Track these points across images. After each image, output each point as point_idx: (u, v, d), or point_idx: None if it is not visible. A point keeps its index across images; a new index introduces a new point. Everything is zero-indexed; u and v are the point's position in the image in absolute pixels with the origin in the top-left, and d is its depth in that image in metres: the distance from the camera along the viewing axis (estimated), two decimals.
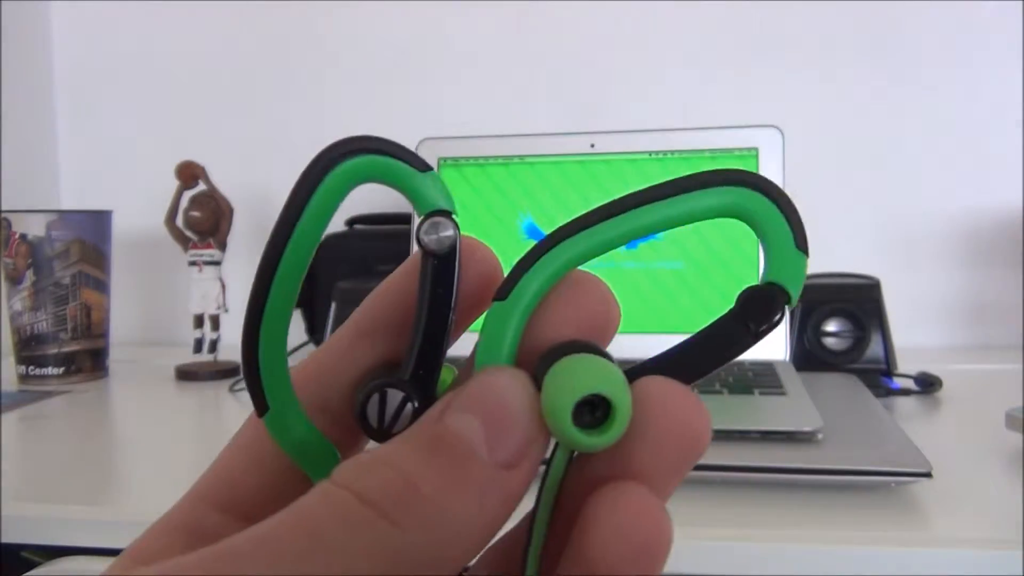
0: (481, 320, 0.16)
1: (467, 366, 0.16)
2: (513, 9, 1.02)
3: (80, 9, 1.11)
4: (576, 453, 0.15)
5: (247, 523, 0.13)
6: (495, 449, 0.13)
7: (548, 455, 0.15)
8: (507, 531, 0.17)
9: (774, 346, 0.68)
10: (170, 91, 1.10)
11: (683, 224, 0.15)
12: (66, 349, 0.83)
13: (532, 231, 0.70)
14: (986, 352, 0.91)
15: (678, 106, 1.00)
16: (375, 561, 0.12)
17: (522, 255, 0.15)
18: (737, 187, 0.15)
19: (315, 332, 0.92)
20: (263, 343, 0.15)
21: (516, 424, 0.14)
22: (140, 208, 0.97)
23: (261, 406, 0.16)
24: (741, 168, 0.15)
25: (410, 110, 1.04)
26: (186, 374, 0.84)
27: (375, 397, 0.15)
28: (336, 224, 0.92)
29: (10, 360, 0.86)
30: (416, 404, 0.15)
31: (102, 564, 0.16)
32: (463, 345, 0.16)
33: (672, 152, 0.72)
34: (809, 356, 0.73)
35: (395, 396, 0.15)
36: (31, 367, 0.83)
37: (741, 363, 0.66)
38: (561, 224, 0.15)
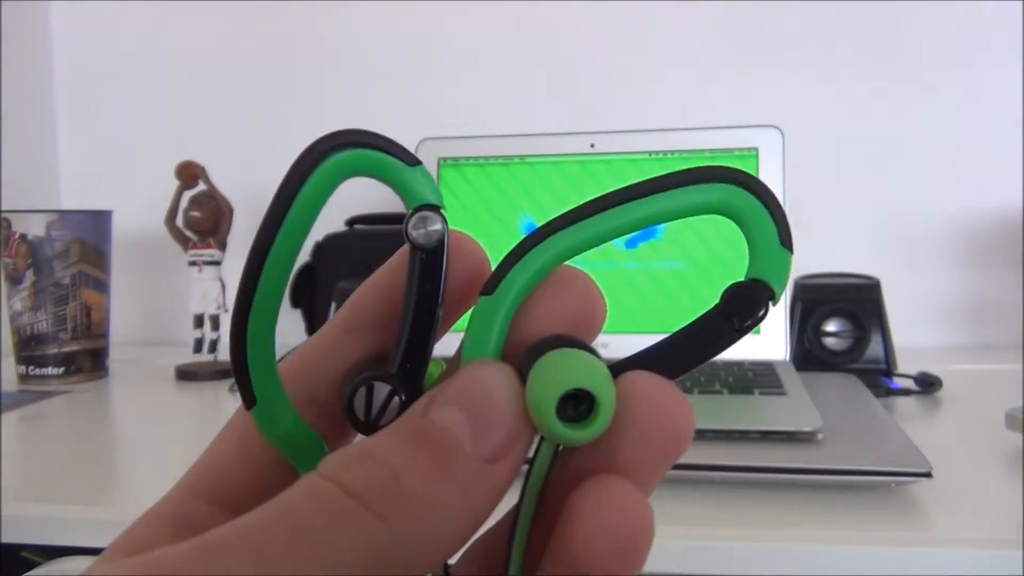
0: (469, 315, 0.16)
1: (454, 360, 0.16)
2: (513, 9, 1.02)
3: (80, 9, 1.11)
4: (561, 447, 0.15)
5: (235, 514, 0.13)
6: (480, 442, 0.14)
7: (533, 450, 0.15)
8: (491, 526, 0.17)
9: (774, 346, 0.68)
10: (170, 91, 1.10)
11: (669, 220, 0.15)
12: (66, 349, 0.83)
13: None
14: (986, 352, 0.91)
15: (678, 106, 1.00)
16: (359, 553, 0.12)
17: (509, 250, 0.15)
18: (723, 184, 0.15)
19: (315, 332, 0.91)
20: (251, 337, 0.15)
21: (501, 418, 0.14)
22: (140, 208, 0.97)
23: (249, 399, 0.16)
24: (728, 165, 0.15)
25: (410, 110, 1.04)
26: (186, 374, 0.84)
27: (362, 390, 0.15)
28: (336, 224, 0.92)
29: (10, 360, 0.86)
30: (403, 398, 0.15)
31: None
32: (451, 339, 0.16)
33: (672, 152, 0.72)
34: (809, 356, 0.73)
35: (382, 389, 0.15)
36: (31, 367, 0.83)
37: (741, 363, 0.66)
38: (547, 220, 0.15)
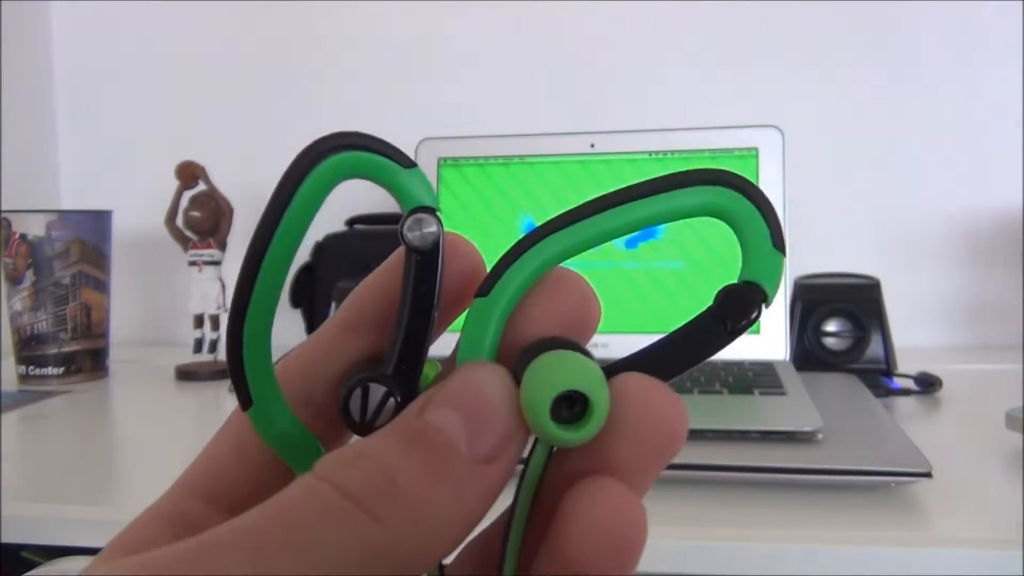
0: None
1: (449, 361, 0.16)
2: (513, 9, 1.02)
3: (80, 9, 1.11)
4: (555, 449, 0.15)
5: (232, 514, 0.13)
6: (474, 443, 0.14)
7: (528, 450, 0.15)
8: (486, 527, 0.17)
9: (774, 346, 0.68)
10: (170, 91, 1.10)
11: (663, 222, 0.15)
12: (66, 349, 0.83)
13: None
14: (986, 352, 0.91)
15: (678, 106, 1.00)
16: (354, 553, 0.13)
17: (504, 252, 0.15)
18: (716, 187, 0.15)
19: (315, 332, 0.92)
20: (247, 338, 0.15)
21: (495, 419, 0.14)
22: (140, 208, 0.97)
23: (245, 400, 0.16)
24: (721, 168, 0.15)
25: (410, 110, 1.04)
26: (186, 374, 0.84)
27: (358, 391, 0.15)
28: (336, 224, 0.92)
29: (10, 360, 0.86)
30: (398, 399, 0.15)
31: None
32: (442, 346, 0.17)
33: (672, 152, 0.72)
34: (809, 356, 0.73)
35: (377, 391, 0.15)
36: (31, 367, 0.83)
37: (741, 363, 0.66)
38: (543, 222, 0.15)
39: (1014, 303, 0.94)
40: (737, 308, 0.15)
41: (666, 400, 0.14)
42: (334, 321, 0.17)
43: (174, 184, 0.86)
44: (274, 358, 0.16)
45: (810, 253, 0.81)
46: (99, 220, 0.85)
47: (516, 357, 0.15)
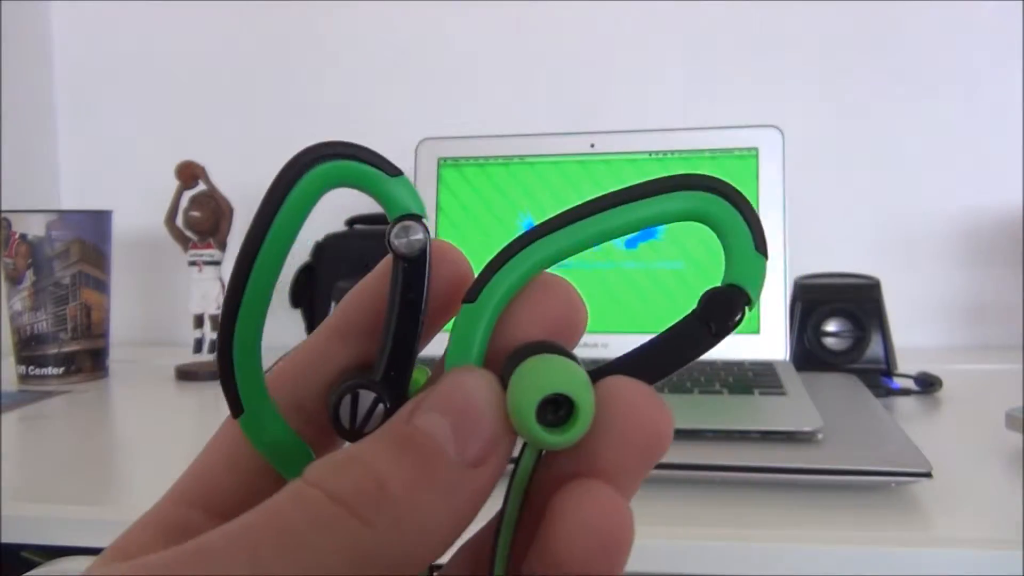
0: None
1: (438, 367, 0.16)
2: (513, 9, 1.02)
3: (80, 9, 1.11)
4: (544, 452, 0.15)
5: (225, 521, 0.14)
6: (463, 448, 0.14)
7: (517, 454, 0.15)
8: (476, 531, 0.17)
9: (774, 346, 0.68)
10: (170, 91, 1.10)
11: (649, 227, 0.15)
12: (66, 349, 0.83)
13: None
14: (986, 352, 0.91)
15: (678, 106, 1.00)
16: (345, 558, 0.13)
17: (491, 258, 0.16)
18: (700, 192, 0.15)
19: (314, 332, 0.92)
20: (237, 346, 0.16)
21: (482, 423, 0.14)
22: (140, 208, 0.98)
23: (236, 408, 0.16)
24: (704, 173, 0.15)
25: (410, 110, 1.04)
26: (186, 374, 0.84)
27: (347, 398, 0.15)
28: (336, 224, 0.92)
29: (10, 360, 0.86)
30: (387, 404, 0.15)
31: None
32: (437, 345, 0.17)
33: (672, 152, 0.72)
34: (809, 356, 0.73)
35: (367, 397, 0.15)
36: (31, 367, 0.83)
37: (741, 363, 0.66)
38: (529, 227, 0.16)
39: (1014, 303, 0.94)
40: (721, 311, 0.15)
41: (651, 402, 0.14)
42: (324, 328, 0.18)
43: (174, 184, 0.86)
44: (274, 359, 0.16)
45: (810, 253, 0.81)
46: (99, 220, 0.85)
47: (503, 362, 0.15)
